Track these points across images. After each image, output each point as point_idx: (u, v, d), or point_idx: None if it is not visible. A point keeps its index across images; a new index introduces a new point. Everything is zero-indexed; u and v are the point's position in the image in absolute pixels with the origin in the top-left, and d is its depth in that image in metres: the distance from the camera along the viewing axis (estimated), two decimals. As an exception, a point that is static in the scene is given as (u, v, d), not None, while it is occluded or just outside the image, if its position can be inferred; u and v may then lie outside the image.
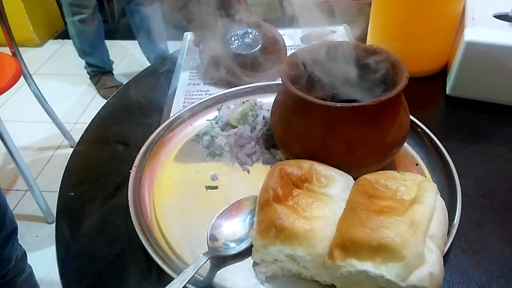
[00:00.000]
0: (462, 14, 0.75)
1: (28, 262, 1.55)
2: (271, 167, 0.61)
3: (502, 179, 0.59)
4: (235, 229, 0.52)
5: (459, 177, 0.55)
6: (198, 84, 0.82)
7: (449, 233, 0.48)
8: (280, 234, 0.45)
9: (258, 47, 0.78)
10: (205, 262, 0.47)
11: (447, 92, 0.74)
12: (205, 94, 0.79)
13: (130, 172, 0.58)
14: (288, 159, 0.58)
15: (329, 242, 0.44)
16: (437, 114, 0.73)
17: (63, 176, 0.64)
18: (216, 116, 0.70)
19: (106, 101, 2.42)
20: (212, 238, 0.50)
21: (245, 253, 0.49)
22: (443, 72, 0.78)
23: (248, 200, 0.55)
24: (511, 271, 0.48)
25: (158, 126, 0.67)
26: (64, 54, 2.93)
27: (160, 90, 0.81)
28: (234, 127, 0.66)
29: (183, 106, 0.76)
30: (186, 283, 0.44)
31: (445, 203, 0.48)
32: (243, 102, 0.70)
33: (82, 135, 0.72)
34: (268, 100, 0.70)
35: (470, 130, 0.68)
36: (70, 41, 2.54)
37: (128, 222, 0.53)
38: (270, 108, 0.61)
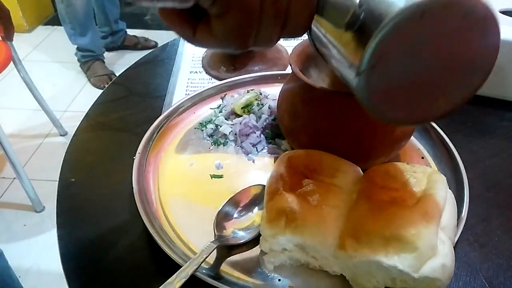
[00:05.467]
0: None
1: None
2: (275, 157, 0.61)
3: (508, 174, 0.59)
4: (242, 218, 0.51)
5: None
6: (200, 72, 0.81)
7: (457, 226, 0.48)
8: (290, 223, 0.44)
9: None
10: (213, 250, 0.46)
11: (451, 87, 0.74)
12: (207, 83, 0.78)
13: (133, 159, 0.57)
14: (293, 149, 0.57)
15: (340, 232, 0.44)
16: (441, 108, 0.73)
17: (63, 161, 0.62)
18: (220, 105, 0.69)
19: (96, 89, 2.38)
20: (219, 226, 0.49)
21: (253, 242, 0.49)
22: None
23: (255, 189, 0.54)
24: (517, 265, 0.48)
25: (160, 114, 0.66)
26: (53, 40, 2.88)
27: (161, 78, 0.80)
28: (238, 116, 0.66)
29: (186, 94, 0.75)
30: (195, 271, 0.43)
31: (452, 196, 0.48)
32: (248, 91, 0.69)
33: (81, 121, 0.70)
34: (272, 89, 0.70)
35: (475, 125, 0.68)
36: (59, 27, 2.50)
37: (132, 209, 0.52)
38: (276, 98, 0.61)
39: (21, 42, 2.68)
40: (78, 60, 2.44)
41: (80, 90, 2.38)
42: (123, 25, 2.65)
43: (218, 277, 0.46)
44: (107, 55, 2.56)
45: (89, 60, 2.41)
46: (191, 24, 0.35)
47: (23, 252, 1.55)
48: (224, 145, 0.63)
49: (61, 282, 0.48)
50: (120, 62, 2.60)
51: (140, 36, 2.73)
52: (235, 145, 0.63)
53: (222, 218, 0.50)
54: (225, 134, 0.64)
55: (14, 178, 1.77)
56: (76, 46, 2.38)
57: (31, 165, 1.92)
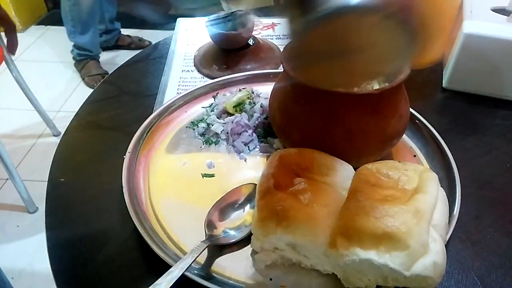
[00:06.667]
0: (459, 7, 0.75)
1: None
2: (267, 156, 0.61)
3: (500, 172, 0.59)
4: (233, 217, 0.50)
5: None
6: (192, 71, 0.80)
7: (449, 223, 0.48)
8: (281, 222, 0.44)
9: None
10: (203, 250, 0.45)
11: (443, 85, 0.74)
12: (199, 81, 0.77)
13: (123, 158, 0.57)
14: (285, 148, 0.57)
15: (331, 231, 0.43)
16: (433, 106, 0.73)
17: (52, 161, 0.61)
18: (212, 103, 0.69)
19: (90, 89, 2.35)
20: (210, 226, 0.49)
21: (244, 242, 0.48)
22: (439, 65, 0.78)
23: (247, 188, 0.53)
24: (509, 262, 0.48)
25: (151, 113, 0.65)
26: (47, 40, 2.86)
27: (152, 76, 0.79)
28: (230, 114, 0.65)
29: (177, 93, 0.74)
30: (185, 271, 0.42)
31: (444, 194, 0.48)
32: (240, 90, 0.68)
33: (72, 120, 0.70)
34: (265, 88, 0.69)
35: (467, 122, 0.68)
36: (53, 27, 2.48)
37: (122, 209, 0.51)
38: (268, 96, 0.60)
39: (14, 42, 2.66)
40: (74, 58, 2.41)
41: (74, 90, 2.36)
42: (118, 25, 2.63)
43: (209, 277, 0.45)
44: (101, 54, 2.54)
45: (84, 58, 2.39)
46: None
47: (16, 253, 1.53)
48: (215, 144, 0.63)
49: (54, 284, 0.47)
50: (114, 62, 2.58)
51: (134, 36, 2.71)
52: (227, 144, 0.63)
53: (213, 218, 0.50)
54: (216, 133, 0.63)
55: (7, 179, 1.75)
56: (73, 43, 2.36)
57: (24, 165, 1.90)
